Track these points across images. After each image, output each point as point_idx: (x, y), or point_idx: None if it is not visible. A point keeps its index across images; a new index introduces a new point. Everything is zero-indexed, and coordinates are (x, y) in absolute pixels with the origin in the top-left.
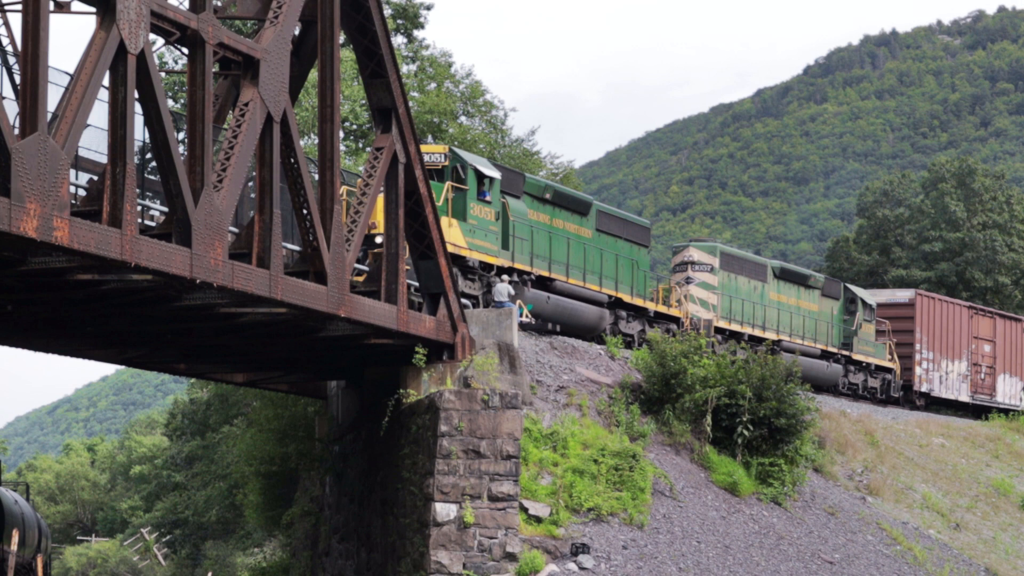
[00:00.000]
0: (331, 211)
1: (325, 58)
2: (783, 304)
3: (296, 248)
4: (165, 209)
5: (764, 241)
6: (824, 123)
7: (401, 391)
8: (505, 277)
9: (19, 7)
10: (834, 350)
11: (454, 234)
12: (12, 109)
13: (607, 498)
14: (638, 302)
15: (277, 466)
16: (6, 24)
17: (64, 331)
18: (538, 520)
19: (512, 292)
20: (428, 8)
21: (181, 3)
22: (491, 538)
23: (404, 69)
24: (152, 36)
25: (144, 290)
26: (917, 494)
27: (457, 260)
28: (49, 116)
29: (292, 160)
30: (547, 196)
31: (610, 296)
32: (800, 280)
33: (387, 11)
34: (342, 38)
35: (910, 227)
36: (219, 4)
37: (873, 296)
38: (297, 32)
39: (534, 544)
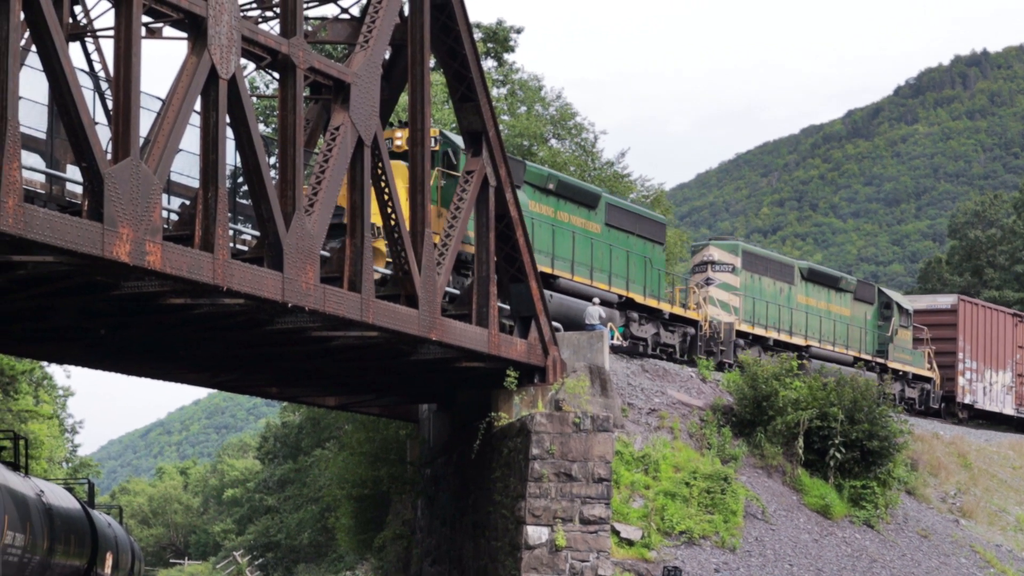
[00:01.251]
0: (422, 235)
1: (415, 82)
2: (812, 307)
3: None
4: (256, 233)
5: (855, 263)
6: (915, 144)
7: (492, 414)
8: (596, 300)
9: (111, 33)
10: (868, 357)
11: (443, 225)
12: (104, 134)
13: (699, 521)
14: (651, 303)
15: (369, 489)
16: (99, 50)
17: (157, 355)
18: (630, 543)
19: (603, 315)
20: (518, 32)
21: (272, 28)
22: (583, 561)
23: (494, 92)
24: (243, 61)
25: (236, 314)
26: (1011, 516)
27: None
28: (141, 141)
29: (383, 184)
30: (551, 187)
31: (621, 296)
32: (830, 282)
33: (477, 35)
34: (432, 62)
35: (1002, 248)
36: (310, 29)
37: (911, 301)
38: (387, 56)
39: (626, 567)
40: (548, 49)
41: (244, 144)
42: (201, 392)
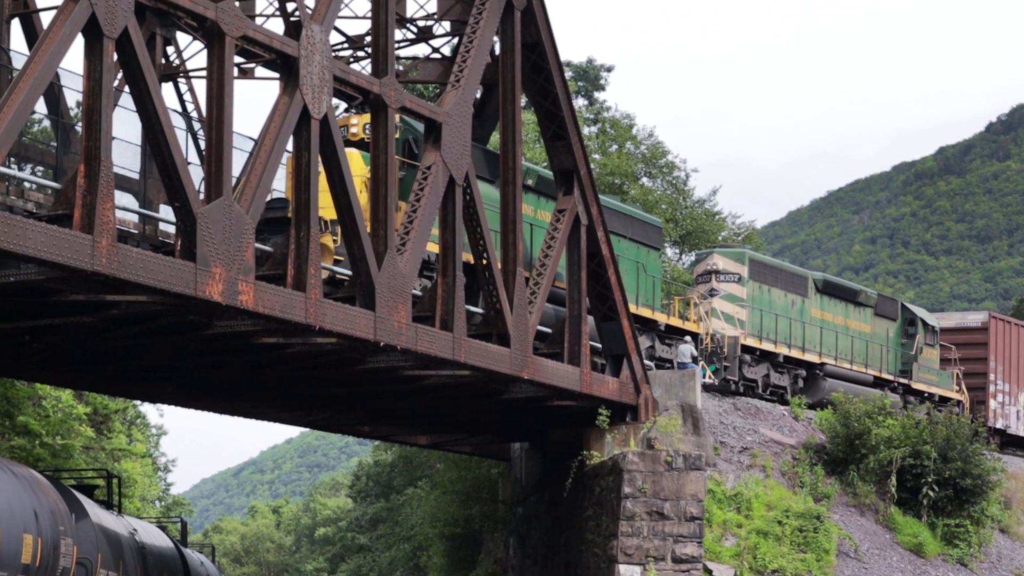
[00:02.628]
0: (514, 274)
1: (507, 121)
2: (827, 322)
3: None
4: (348, 273)
5: (948, 300)
6: (1007, 180)
7: (584, 452)
8: (688, 339)
9: (204, 73)
10: (890, 377)
11: (401, 221)
12: (197, 174)
13: (792, 560)
14: (645, 313)
15: (461, 528)
16: (191, 90)
17: (249, 394)
18: None
19: (695, 353)
20: (609, 70)
21: (363, 68)
22: None
23: (585, 131)
24: (335, 100)
25: (328, 353)
26: None
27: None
28: (233, 181)
29: (475, 223)
30: (529, 183)
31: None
32: (848, 296)
33: (568, 73)
34: (523, 101)
35: None
36: (401, 68)
37: (939, 319)
38: (478, 95)
39: None
40: (639, 87)
41: (336, 184)
42: (293, 431)
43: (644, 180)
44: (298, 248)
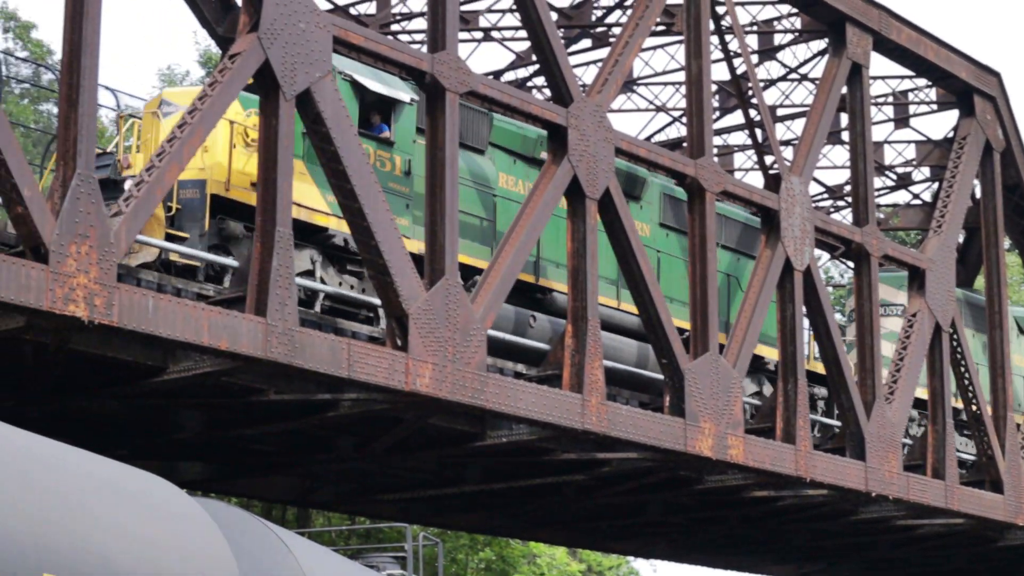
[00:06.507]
0: (1004, 419)
1: (991, 264)
2: None
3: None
4: (836, 423)
5: None
6: None
7: None
8: None
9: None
10: None
11: (305, 190)
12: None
13: None
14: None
15: None
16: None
17: (741, 547)
18: None
19: None
20: None
21: (844, 217)
22: None
23: None
24: (816, 251)
25: (819, 505)
26: None
27: (314, 232)
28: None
29: (963, 368)
30: (540, 156)
31: (681, 331)
32: None
33: None
34: (1007, 243)
35: None
36: (882, 216)
37: None
38: (961, 239)
39: None
40: None
41: (821, 334)
42: None
43: None
44: (786, 400)
